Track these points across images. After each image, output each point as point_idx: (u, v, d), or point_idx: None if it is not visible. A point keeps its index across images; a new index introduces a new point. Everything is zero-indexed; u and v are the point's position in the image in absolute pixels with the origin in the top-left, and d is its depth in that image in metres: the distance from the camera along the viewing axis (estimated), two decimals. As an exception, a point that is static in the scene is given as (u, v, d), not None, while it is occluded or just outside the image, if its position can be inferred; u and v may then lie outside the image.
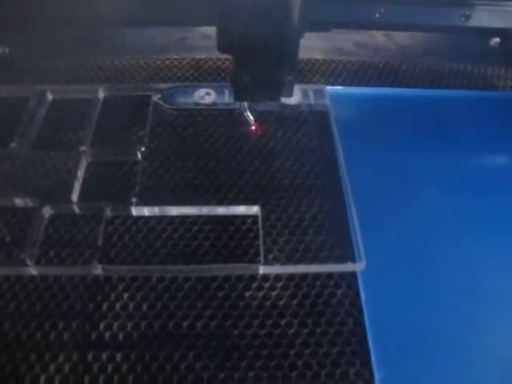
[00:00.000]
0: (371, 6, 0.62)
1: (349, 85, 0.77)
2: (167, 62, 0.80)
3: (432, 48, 0.83)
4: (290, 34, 0.56)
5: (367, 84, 0.77)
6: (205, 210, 0.61)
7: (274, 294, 0.56)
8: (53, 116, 0.71)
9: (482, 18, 0.65)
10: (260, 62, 0.58)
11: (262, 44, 0.56)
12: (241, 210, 0.61)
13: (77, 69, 0.77)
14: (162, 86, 0.74)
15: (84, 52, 0.78)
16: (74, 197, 0.62)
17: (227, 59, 0.79)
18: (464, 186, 0.65)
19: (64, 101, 0.72)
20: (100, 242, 0.58)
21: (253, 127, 0.69)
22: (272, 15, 0.54)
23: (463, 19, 0.64)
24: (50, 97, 0.72)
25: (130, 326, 0.53)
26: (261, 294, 0.56)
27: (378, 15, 0.63)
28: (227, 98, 0.71)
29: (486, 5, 0.64)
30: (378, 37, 0.85)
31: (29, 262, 0.56)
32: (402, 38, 0.85)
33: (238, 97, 0.63)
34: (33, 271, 0.56)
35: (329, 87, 0.75)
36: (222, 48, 0.60)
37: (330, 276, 0.57)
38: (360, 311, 0.55)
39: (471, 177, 0.66)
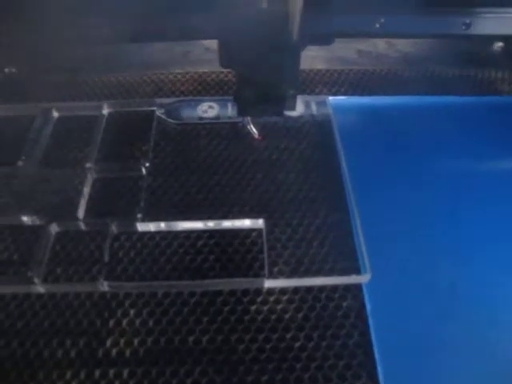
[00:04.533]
0: (371, 16, 0.62)
1: (352, 94, 0.77)
2: (171, 77, 0.80)
3: (434, 54, 0.83)
4: (290, 48, 0.56)
5: (370, 93, 0.77)
6: (210, 225, 0.61)
7: (279, 307, 0.56)
8: (59, 133, 0.72)
9: (483, 26, 0.65)
10: (262, 76, 0.58)
11: (263, 59, 0.56)
12: (245, 223, 0.61)
13: (82, 85, 0.79)
14: (166, 100, 0.74)
15: (89, 68, 0.79)
16: (80, 214, 0.62)
17: (230, 72, 0.80)
18: (474, 196, 0.64)
19: (69, 118, 0.73)
20: (106, 259, 0.58)
21: (256, 140, 0.69)
22: (271, 30, 0.55)
23: (464, 27, 0.64)
24: (55, 114, 0.73)
25: (136, 342, 0.54)
26: (266, 307, 0.56)
27: (378, 25, 0.63)
28: (230, 111, 0.72)
29: (486, 12, 0.64)
30: (380, 44, 0.85)
31: (36, 280, 0.56)
32: (403, 44, 0.85)
33: (241, 112, 0.63)
34: (40, 289, 0.56)
35: (331, 97, 0.75)
36: (224, 63, 0.61)
37: (335, 288, 0.57)
38: (366, 323, 0.55)
39: (480, 185, 0.65)
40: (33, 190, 0.65)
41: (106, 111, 0.74)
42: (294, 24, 0.53)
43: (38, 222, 0.62)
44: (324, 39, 0.59)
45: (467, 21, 0.64)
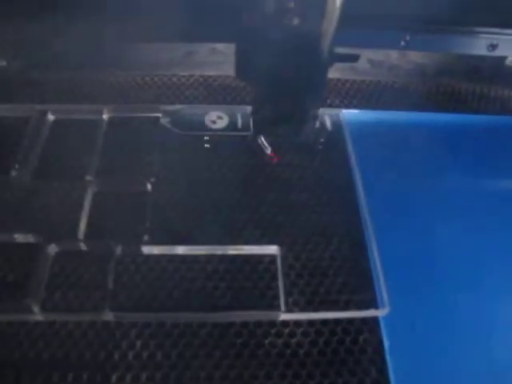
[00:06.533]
0: (396, 33, 0.59)
1: (364, 107, 0.74)
2: (174, 79, 0.76)
3: (447, 66, 0.80)
4: (319, 66, 0.52)
5: (383, 106, 0.74)
6: (219, 251, 0.58)
7: (294, 341, 0.54)
8: (54, 139, 0.67)
9: (510, 48, 0.62)
10: (285, 95, 0.54)
11: (289, 77, 0.53)
12: (258, 249, 0.58)
13: (79, 85, 0.73)
14: (170, 107, 0.69)
15: (87, 66, 0.73)
16: (81, 232, 0.58)
17: (238, 77, 0.75)
18: (495, 223, 0.62)
19: (66, 121, 0.68)
20: (110, 286, 0.54)
21: (268, 155, 0.65)
22: (302, 45, 0.51)
23: (490, 48, 0.62)
24: (51, 117, 0.68)
25: (144, 377, 0.50)
26: (280, 340, 0.53)
27: (403, 43, 0.60)
28: (240, 122, 0.68)
29: (513, 34, 0.62)
30: (392, 54, 0.81)
31: (35, 309, 0.52)
32: (416, 55, 0.82)
33: (258, 130, 0.59)
34: (39, 317, 0.52)
35: (344, 111, 0.72)
36: (241, 75, 0.57)
37: (351, 321, 0.55)
38: (383, 359, 0.53)
39: (503, 210, 0.63)
40: (27, 204, 0.60)
41: (106, 116, 0.68)
42: (325, 43, 0.50)
43: (34, 241, 0.57)
44: (351, 57, 0.55)
45: (494, 42, 0.61)
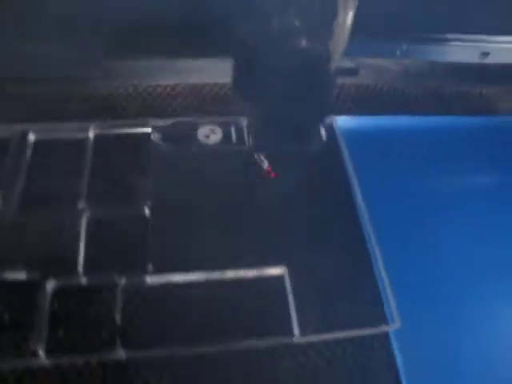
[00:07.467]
0: (393, 44, 0.58)
1: (357, 113, 0.73)
2: (159, 90, 0.72)
3: (434, 68, 0.79)
4: (326, 85, 0.51)
5: (375, 111, 0.73)
6: (228, 275, 0.56)
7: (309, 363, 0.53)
8: (38, 162, 0.62)
9: (502, 55, 0.63)
10: (291, 110, 0.52)
11: (297, 95, 0.51)
12: (266, 271, 0.57)
13: (60, 100, 0.68)
14: (160, 122, 0.66)
15: (67, 79, 0.68)
16: (80, 265, 0.55)
17: (226, 84, 0.72)
18: (498, 230, 0.62)
19: (49, 142, 0.64)
20: (118, 320, 0.52)
21: (265, 170, 0.64)
22: (309, 66, 0.49)
23: (482, 56, 0.62)
24: (32, 137, 0.63)
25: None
26: (295, 363, 0.53)
27: (398, 53, 0.59)
28: (234, 135, 0.65)
29: (505, 42, 0.62)
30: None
31: (41, 353, 0.49)
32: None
33: (260, 148, 0.57)
34: (44, 361, 0.49)
35: (338, 117, 0.70)
36: (242, 95, 0.54)
37: (363, 338, 0.55)
38: (397, 375, 0.54)
39: (503, 217, 0.63)
40: (17, 238, 0.56)
41: (92, 134, 0.65)
42: (334, 63, 0.48)
43: (29, 278, 0.53)
44: (351, 71, 0.54)
45: (486, 50, 0.61)
